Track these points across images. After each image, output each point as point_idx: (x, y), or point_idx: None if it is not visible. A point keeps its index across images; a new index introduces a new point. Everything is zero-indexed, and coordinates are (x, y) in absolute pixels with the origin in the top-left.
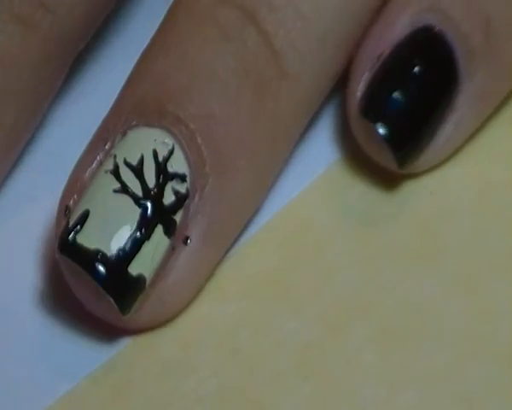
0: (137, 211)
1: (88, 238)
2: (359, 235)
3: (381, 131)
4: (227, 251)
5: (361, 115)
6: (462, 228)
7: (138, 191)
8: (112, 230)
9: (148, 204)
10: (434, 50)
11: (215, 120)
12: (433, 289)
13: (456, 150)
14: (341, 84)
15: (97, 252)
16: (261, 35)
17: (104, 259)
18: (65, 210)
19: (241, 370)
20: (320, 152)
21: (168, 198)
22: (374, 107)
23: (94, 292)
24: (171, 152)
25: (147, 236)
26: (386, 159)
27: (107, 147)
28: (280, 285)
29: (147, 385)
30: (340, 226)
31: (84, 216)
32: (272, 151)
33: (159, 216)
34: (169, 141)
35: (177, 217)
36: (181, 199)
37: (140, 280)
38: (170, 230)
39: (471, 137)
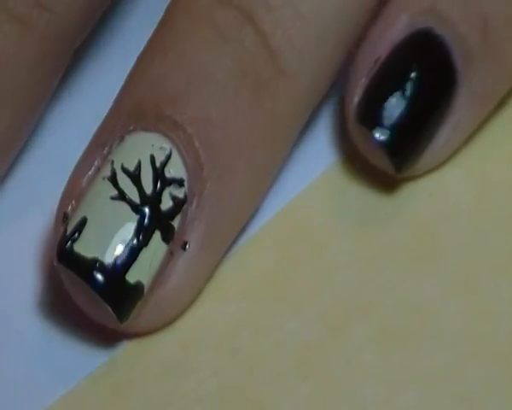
0: (135, 218)
1: (85, 247)
2: (359, 235)
3: (378, 138)
4: (226, 252)
5: (358, 122)
6: (462, 229)
7: (136, 198)
8: (109, 238)
9: (146, 211)
10: (432, 53)
11: (213, 123)
12: (433, 289)
13: (455, 151)
14: (341, 84)
15: (95, 261)
16: (259, 35)
17: (101, 267)
18: (63, 217)
19: (241, 370)
20: (319, 153)
21: (166, 204)
22: (370, 114)
23: (92, 300)
24: (168, 157)
25: (144, 243)
26: (383, 164)
27: (104, 152)
28: (280, 285)
29: (147, 385)
30: (340, 227)
31: (82, 224)
32: (271, 152)
33: (156, 222)
34: (166, 146)
35: (175, 222)
36: (179, 204)
37: (138, 288)
38: (168, 236)
39: (470, 137)
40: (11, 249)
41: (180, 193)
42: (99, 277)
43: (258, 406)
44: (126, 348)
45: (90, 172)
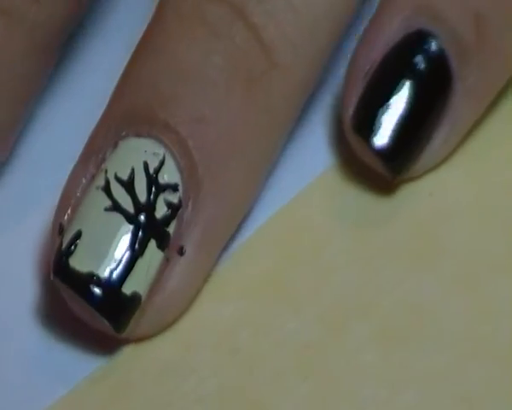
0: (129, 229)
1: (80, 261)
2: (359, 235)
3: (374, 147)
4: (225, 252)
5: (353, 131)
6: (461, 229)
7: (130, 208)
8: (104, 251)
9: (140, 220)
10: (426, 55)
11: (205, 123)
12: (433, 289)
13: (454, 151)
14: (339, 85)
15: (90, 275)
16: (250, 29)
17: (97, 282)
18: (59, 229)
19: (241, 370)
20: (318, 153)
21: (160, 211)
22: (366, 124)
23: (90, 312)
24: (161, 163)
25: (140, 253)
26: (381, 169)
27: (98, 160)
28: (279, 285)
29: (146, 386)
30: (340, 227)
31: (77, 237)
32: (265, 146)
33: (151, 231)
34: (159, 151)
35: (171, 228)
36: (174, 210)
37: (135, 298)
38: (163, 243)
39: (469, 137)
40: (10, 252)
41: (175, 198)
42: (95, 292)
43: (258, 406)
44: (126, 349)
45: (84, 181)
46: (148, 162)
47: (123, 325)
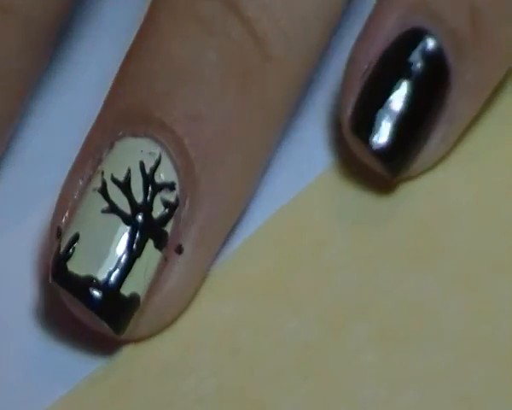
0: (126, 230)
1: (78, 265)
2: (358, 235)
3: (372, 148)
4: (225, 252)
5: (351, 133)
6: (461, 228)
7: (127, 209)
8: (101, 254)
9: (138, 221)
10: (422, 53)
11: (201, 120)
12: (433, 289)
13: (454, 150)
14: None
15: (88, 278)
16: (244, 23)
17: (95, 285)
18: (57, 232)
19: (241, 370)
20: (318, 153)
21: (157, 210)
22: (363, 125)
23: (89, 314)
24: (158, 162)
25: (138, 254)
26: (380, 169)
27: (95, 161)
28: (279, 285)
29: (146, 386)
30: (339, 227)
31: (74, 240)
32: (261, 140)
33: (149, 231)
34: (155, 150)
35: (168, 227)
36: (171, 209)
37: (134, 299)
38: (161, 243)
39: (469, 136)
40: (10, 252)
41: (172, 197)
42: (93, 295)
43: (258, 406)
44: (125, 348)
45: (81, 183)
46: (145, 162)
47: (122, 326)
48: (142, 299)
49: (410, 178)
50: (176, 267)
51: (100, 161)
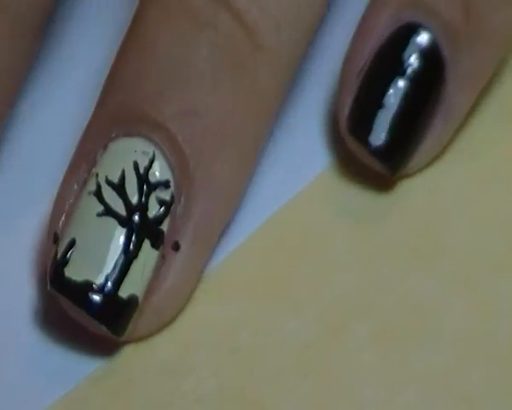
0: (122, 232)
1: (75, 271)
2: (358, 235)
3: (370, 147)
4: (224, 251)
5: (349, 133)
6: (461, 227)
7: (122, 211)
8: (98, 258)
9: (133, 222)
10: (417, 48)
11: (194, 116)
12: (433, 288)
13: (454, 149)
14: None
15: (86, 284)
16: (234, 15)
17: (93, 290)
18: (53, 237)
19: (241, 370)
20: (318, 152)
21: (153, 210)
22: (361, 125)
23: (88, 319)
24: (151, 161)
25: (134, 254)
26: (379, 167)
27: (89, 163)
28: (279, 285)
29: (146, 386)
30: (340, 226)
31: (71, 245)
32: (255, 131)
33: (145, 231)
34: (149, 149)
35: (164, 226)
36: (166, 207)
37: (132, 301)
38: (157, 242)
39: (469, 136)
40: (9, 252)
41: (167, 195)
42: (91, 300)
43: (258, 405)
44: (125, 348)
45: (76, 187)
46: (138, 162)
47: (122, 329)
48: (140, 300)
49: (410, 176)
50: (173, 265)
51: (94, 164)
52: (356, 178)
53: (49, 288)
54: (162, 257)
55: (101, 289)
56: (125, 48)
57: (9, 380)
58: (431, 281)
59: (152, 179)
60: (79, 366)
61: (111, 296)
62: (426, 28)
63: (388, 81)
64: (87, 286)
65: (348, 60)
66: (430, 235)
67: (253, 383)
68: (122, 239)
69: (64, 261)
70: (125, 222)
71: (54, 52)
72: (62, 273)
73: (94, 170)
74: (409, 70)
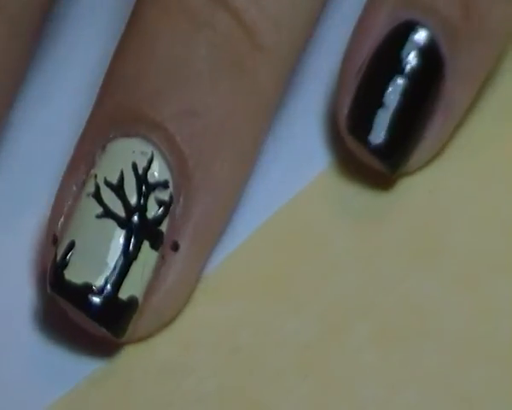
0: (122, 233)
1: (75, 273)
2: (359, 234)
3: (370, 146)
4: (224, 251)
5: (348, 132)
6: (462, 227)
7: (121, 212)
8: (98, 260)
9: (133, 223)
10: (415, 46)
11: (193, 115)
12: (433, 288)
13: (454, 148)
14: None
15: (85, 286)
16: (232, 15)
17: (93, 292)
18: (53, 240)
19: (241, 369)
20: (318, 151)
21: (152, 210)
22: (360, 124)
23: (88, 320)
24: (150, 161)
25: (134, 256)
26: (379, 166)
27: (88, 165)
28: (279, 285)
29: (146, 386)
30: (340, 226)
31: (70, 247)
32: (254, 130)
33: (144, 232)
34: (147, 150)
35: (163, 226)
36: (165, 208)
37: (132, 302)
38: (157, 242)
39: (469, 135)
40: (9, 252)
41: (166, 196)
42: (91, 303)
43: (258, 405)
44: (125, 349)
45: (75, 189)
46: (137, 162)
47: (122, 330)
48: (140, 301)
49: (410, 174)
50: (173, 265)
51: (92, 165)
52: (356, 178)
53: (49, 291)
54: (162, 258)
55: (100, 292)
56: (122, 47)
57: (9, 380)
58: (431, 281)
59: (151, 180)
60: (79, 367)
61: (111, 298)
62: (424, 26)
63: (387, 80)
64: (87, 289)
65: (347, 59)
66: (430, 235)
67: (253, 383)
68: (121, 240)
69: (64, 264)
70: (124, 223)
71: (51, 52)
72: (62, 276)
73: (92, 171)
74: (407, 68)
